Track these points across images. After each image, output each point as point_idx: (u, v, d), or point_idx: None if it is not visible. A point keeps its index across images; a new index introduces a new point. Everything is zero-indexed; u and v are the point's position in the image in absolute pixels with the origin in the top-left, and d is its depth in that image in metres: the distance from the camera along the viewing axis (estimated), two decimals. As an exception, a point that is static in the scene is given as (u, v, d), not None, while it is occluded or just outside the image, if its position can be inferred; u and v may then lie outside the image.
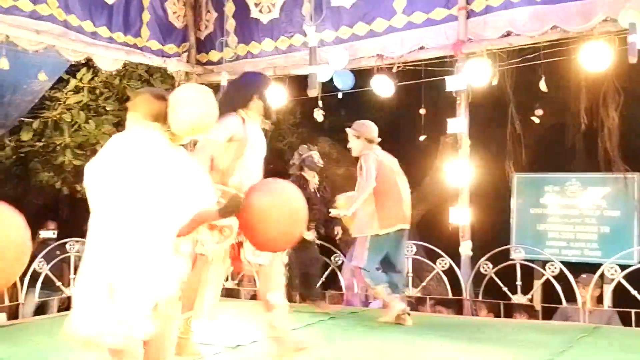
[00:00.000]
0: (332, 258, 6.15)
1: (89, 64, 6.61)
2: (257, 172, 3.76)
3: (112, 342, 2.62)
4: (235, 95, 3.86)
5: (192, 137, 3.13)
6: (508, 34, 5.52)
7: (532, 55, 5.67)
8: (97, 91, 7.88)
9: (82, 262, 2.77)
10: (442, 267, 5.65)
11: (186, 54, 7.05)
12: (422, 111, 6.41)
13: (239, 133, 3.67)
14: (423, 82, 6.22)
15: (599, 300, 5.66)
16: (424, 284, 5.99)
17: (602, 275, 5.26)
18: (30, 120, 7.65)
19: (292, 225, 3.27)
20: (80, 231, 7.33)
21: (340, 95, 6.43)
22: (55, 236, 7.16)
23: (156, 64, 6.78)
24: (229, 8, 6.90)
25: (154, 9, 6.66)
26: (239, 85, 3.98)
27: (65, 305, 6.22)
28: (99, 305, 2.61)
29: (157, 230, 2.70)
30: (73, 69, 7.20)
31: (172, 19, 6.89)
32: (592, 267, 5.58)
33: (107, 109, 8.05)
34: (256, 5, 6.75)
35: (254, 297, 6.83)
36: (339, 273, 6.21)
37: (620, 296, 5.24)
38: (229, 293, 6.81)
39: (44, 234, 7.19)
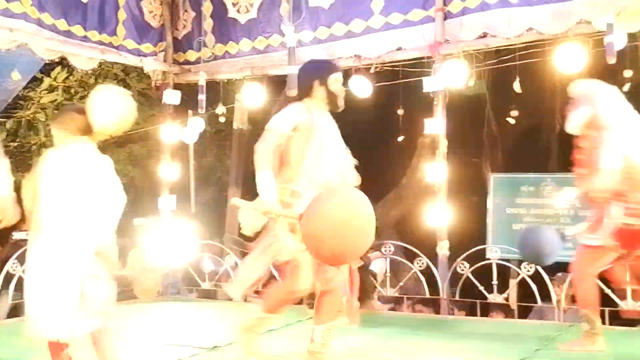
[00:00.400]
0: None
1: (63, 62, 6.53)
2: (330, 166, 3.54)
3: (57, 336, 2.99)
4: (299, 84, 3.71)
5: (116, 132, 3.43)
6: (484, 35, 5.58)
7: (508, 57, 5.73)
8: (72, 90, 7.79)
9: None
10: (420, 267, 5.68)
11: (163, 53, 6.99)
12: (400, 112, 6.44)
13: (305, 121, 3.45)
14: (401, 83, 6.25)
15: (574, 298, 5.72)
16: (401, 283, 6.02)
17: (576, 274, 5.31)
18: (4, 120, 7.53)
19: (362, 239, 3.04)
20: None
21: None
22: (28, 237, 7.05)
23: (132, 63, 6.72)
24: (207, 8, 6.86)
25: (130, 8, 6.59)
26: (300, 73, 3.82)
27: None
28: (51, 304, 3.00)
29: (77, 245, 3.05)
30: (47, 68, 7.10)
31: (148, 18, 6.83)
32: (566, 266, 5.64)
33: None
34: (234, 5, 6.71)
35: (230, 298, 6.81)
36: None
37: (594, 295, 5.30)
38: (206, 294, 6.78)
39: (17, 235, 7.08)
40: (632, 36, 5.15)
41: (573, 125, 4.14)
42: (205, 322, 5.26)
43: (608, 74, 5.65)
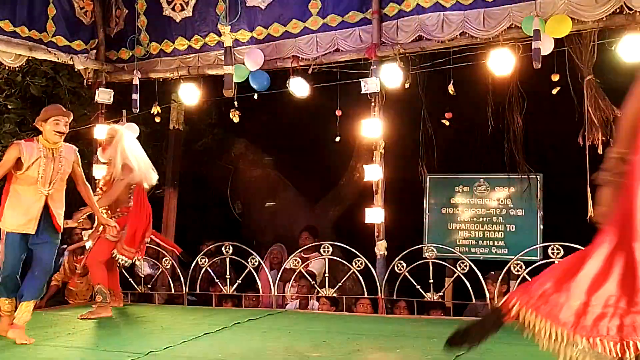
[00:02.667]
0: (248, 260, 6.09)
1: (-12, 59, 6.23)
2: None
3: None
4: None
5: None
6: (420, 38, 5.68)
7: (442, 60, 5.85)
8: (-2, 88, 7.45)
9: None
10: (358, 267, 5.73)
11: (95, 51, 6.81)
12: (338, 113, 6.48)
13: None
14: (339, 84, 6.29)
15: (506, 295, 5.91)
16: (340, 284, 6.05)
17: (508, 272, 5.48)
18: None
19: None
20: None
21: (256, 96, 6.39)
22: None
23: (62, 61, 6.50)
24: (140, 5, 6.72)
25: (60, 3, 6.39)
26: None
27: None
28: None
29: None
30: (-29, 65, 6.76)
31: (79, 14, 6.63)
32: (499, 264, 5.81)
33: (9, 107, 7.61)
34: (169, 3, 6.60)
35: (169, 301, 6.68)
36: (255, 275, 6.17)
37: (525, 291, 5.47)
38: (141, 298, 6.63)
39: None
40: (559, 41, 5.35)
41: None
42: (139, 326, 5.13)
43: (537, 78, 5.87)
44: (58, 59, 6.45)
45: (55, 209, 4.46)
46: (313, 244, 6.55)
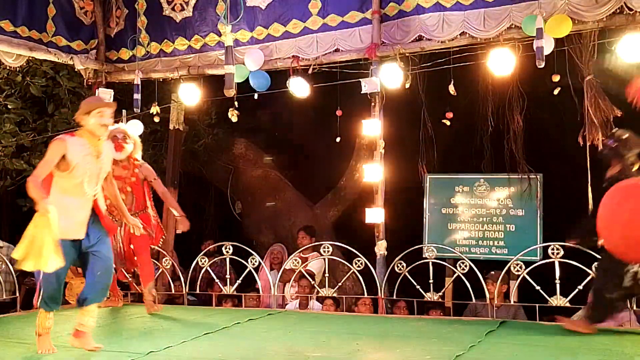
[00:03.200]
0: (248, 260, 6.09)
1: (-12, 59, 6.23)
2: None
3: None
4: None
5: None
6: (420, 38, 5.69)
7: (443, 60, 5.85)
8: (-2, 88, 7.45)
9: None
10: (358, 267, 5.72)
11: (95, 51, 6.81)
12: (339, 113, 6.48)
13: None
14: (339, 84, 6.29)
15: (506, 295, 5.91)
16: (340, 284, 6.05)
17: (508, 272, 5.48)
18: None
19: None
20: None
21: (256, 96, 6.40)
22: None
23: (62, 61, 6.50)
24: (140, 5, 6.72)
25: (60, 3, 6.40)
26: None
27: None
28: None
29: None
30: (-30, 65, 6.76)
31: (79, 14, 6.63)
32: (499, 264, 5.81)
33: (9, 107, 7.61)
34: (169, 3, 6.61)
35: (168, 301, 6.68)
36: (255, 275, 6.17)
37: (525, 291, 5.48)
38: (139, 298, 6.63)
39: None
40: (559, 41, 5.35)
41: None
42: (139, 326, 5.13)
43: (538, 77, 5.87)
44: (58, 59, 6.45)
45: (100, 207, 4.14)
46: (313, 244, 6.55)
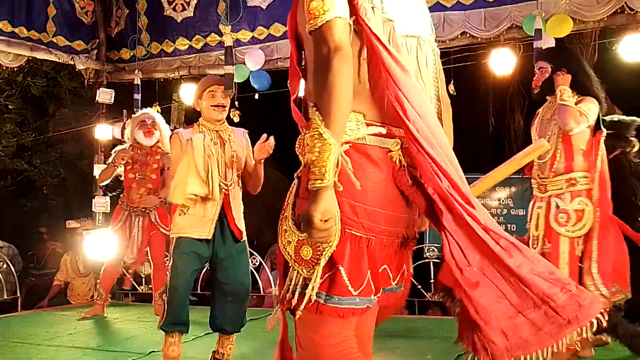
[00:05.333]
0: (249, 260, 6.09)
1: (-11, 59, 6.24)
2: None
3: None
4: None
5: None
6: (421, 38, 5.68)
7: (444, 60, 5.85)
8: (-1, 88, 7.48)
9: None
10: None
11: (95, 51, 6.81)
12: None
13: None
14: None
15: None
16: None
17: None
18: None
19: None
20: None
21: (257, 96, 6.40)
22: None
23: (63, 61, 6.50)
24: (141, 5, 6.72)
25: (60, 3, 6.39)
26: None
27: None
28: None
29: None
30: (-29, 65, 6.78)
31: (80, 14, 6.63)
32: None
33: (10, 107, 7.64)
34: (169, 3, 6.60)
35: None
36: (256, 275, 6.17)
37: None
38: (142, 298, 6.64)
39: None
40: (560, 41, 5.35)
41: None
42: (140, 326, 5.14)
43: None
44: (59, 59, 6.45)
45: (234, 210, 3.52)
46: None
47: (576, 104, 3.60)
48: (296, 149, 1.76)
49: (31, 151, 8.02)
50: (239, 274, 3.52)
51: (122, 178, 5.55)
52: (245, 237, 3.61)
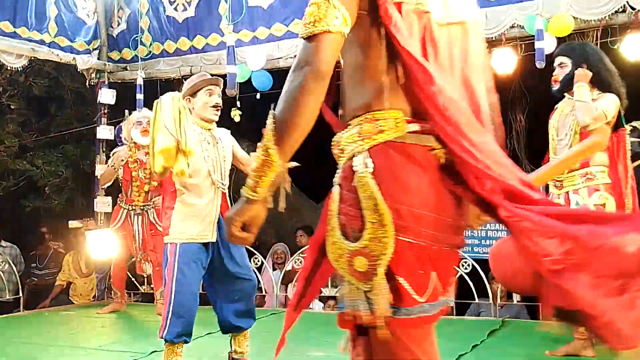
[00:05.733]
0: (251, 260, 6.09)
1: (-10, 60, 6.25)
2: None
3: None
4: None
5: None
6: (423, 37, 5.67)
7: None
8: (1, 89, 7.48)
9: None
10: (361, 266, 5.72)
11: (97, 51, 6.81)
12: (341, 112, 6.47)
13: None
14: (340, 83, 6.28)
15: (509, 295, 5.91)
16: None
17: (511, 271, 5.46)
18: None
19: None
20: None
21: (258, 96, 6.39)
22: None
23: (65, 61, 6.51)
24: (143, 5, 6.72)
25: (62, 4, 6.39)
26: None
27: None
28: None
29: None
30: (-27, 65, 6.79)
31: (81, 14, 6.64)
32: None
33: (12, 107, 7.64)
34: (171, 3, 6.61)
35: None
36: (258, 275, 6.17)
37: (528, 290, 5.47)
38: (144, 298, 6.65)
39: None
40: (562, 40, 5.34)
41: None
42: (142, 326, 5.15)
43: (540, 76, 5.85)
44: (61, 60, 6.45)
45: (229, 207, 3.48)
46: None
47: (596, 100, 3.59)
48: (332, 151, 1.69)
49: (33, 151, 8.02)
50: (243, 271, 3.47)
51: (120, 177, 5.57)
52: None
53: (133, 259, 5.70)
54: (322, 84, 1.50)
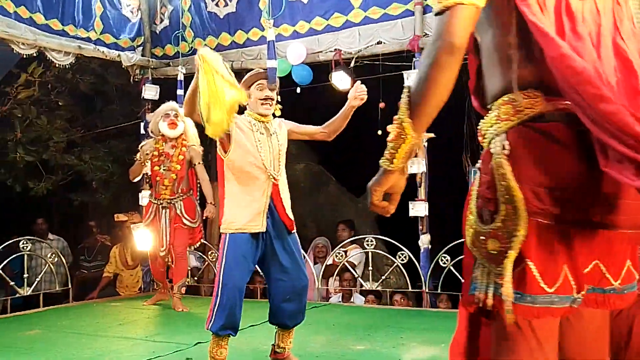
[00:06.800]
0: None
1: (40, 57, 6.43)
2: None
3: None
4: None
5: None
6: (464, 29, 5.59)
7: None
8: (49, 86, 7.68)
9: None
10: (402, 260, 5.70)
11: (141, 47, 6.94)
12: (381, 105, 6.44)
13: None
14: (381, 77, 6.25)
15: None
16: (384, 277, 6.04)
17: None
18: (-22, 116, 7.40)
19: None
20: (29, 230, 7.17)
21: (298, 90, 6.42)
22: None
23: (110, 58, 6.65)
24: (185, 1, 6.82)
25: (107, 2, 6.54)
26: None
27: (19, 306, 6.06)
28: None
29: None
30: (23, 63, 6.99)
31: (126, 11, 6.77)
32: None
33: (60, 103, 7.84)
34: (212, -1, 6.69)
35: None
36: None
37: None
38: (189, 290, 6.75)
39: None
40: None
41: None
42: (186, 318, 5.24)
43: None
44: (106, 57, 6.59)
45: (284, 200, 3.42)
46: (354, 237, 6.56)
47: None
48: (478, 137, 1.65)
49: (80, 147, 8.22)
50: (296, 270, 3.43)
51: (148, 172, 5.64)
52: (295, 229, 3.51)
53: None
54: (456, 57, 1.48)
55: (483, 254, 1.51)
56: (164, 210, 5.48)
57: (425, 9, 5.72)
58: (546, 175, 1.45)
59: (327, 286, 6.40)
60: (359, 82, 3.48)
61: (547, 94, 1.49)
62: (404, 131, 1.51)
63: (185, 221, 5.47)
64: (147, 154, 5.40)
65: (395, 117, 1.54)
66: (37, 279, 6.10)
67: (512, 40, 1.52)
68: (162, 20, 7.02)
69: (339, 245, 6.30)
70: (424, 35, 5.70)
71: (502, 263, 1.44)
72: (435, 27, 1.50)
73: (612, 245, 1.48)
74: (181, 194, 5.51)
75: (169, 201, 5.46)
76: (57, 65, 6.25)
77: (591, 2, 1.54)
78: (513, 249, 1.43)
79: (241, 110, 3.46)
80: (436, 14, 1.49)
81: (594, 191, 1.44)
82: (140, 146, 5.60)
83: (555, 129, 1.47)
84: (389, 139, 1.54)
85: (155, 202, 5.52)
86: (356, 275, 6.14)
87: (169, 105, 5.58)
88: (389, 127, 1.56)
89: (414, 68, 5.71)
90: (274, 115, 3.58)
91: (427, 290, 5.59)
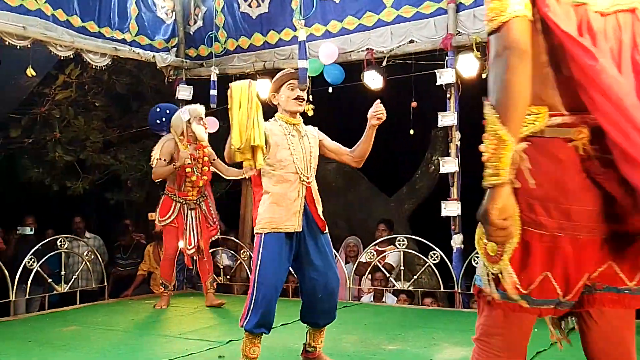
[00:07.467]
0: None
1: (77, 59, 6.57)
2: None
3: None
4: None
5: None
6: (498, 26, 5.52)
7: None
8: (86, 87, 7.83)
9: None
10: (434, 260, 5.66)
11: (175, 48, 7.03)
12: (414, 104, 6.40)
13: None
14: (413, 76, 6.21)
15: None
16: (415, 277, 6.00)
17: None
18: (19, 116, 7.58)
19: None
20: (67, 228, 7.32)
21: (330, 90, 6.42)
22: (32, 232, 7.11)
23: (145, 59, 6.75)
24: (218, 2, 6.88)
25: (142, 4, 6.64)
26: None
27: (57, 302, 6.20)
28: None
29: None
30: (61, 65, 7.15)
31: (160, 13, 6.87)
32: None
33: (96, 104, 7.99)
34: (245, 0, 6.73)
35: (245, 292, 6.84)
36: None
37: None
38: (221, 288, 6.81)
39: (21, 229, 7.15)
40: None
41: None
42: (218, 316, 5.29)
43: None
44: (141, 58, 6.69)
45: (317, 202, 3.48)
46: (388, 236, 6.53)
47: None
48: None
49: (116, 146, 8.35)
50: (328, 269, 3.44)
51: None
52: (327, 229, 3.54)
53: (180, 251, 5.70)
54: (525, 61, 1.57)
55: (483, 253, 1.70)
56: (190, 211, 5.52)
57: (459, 7, 5.67)
58: (540, 188, 1.60)
59: (359, 285, 6.39)
60: (378, 101, 3.48)
61: (557, 109, 1.62)
62: (502, 139, 1.55)
63: (209, 221, 5.57)
64: (186, 162, 5.38)
65: (484, 134, 1.60)
66: (74, 277, 6.23)
67: (540, 61, 1.63)
68: (195, 22, 7.10)
69: (373, 244, 6.26)
70: (456, 34, 5.65)
71: (497, 264, 1.65)
72: (493, 44, 1.61)
73: (624, 248, 1.61)
74: (204, 195, 5.58)
75: (195, 202, 5.52)
76: (93, 67, 6.37)
77: (614, 18, 1.63)
78: (506, 254, 1.61)
79: (269, 112, 3.49)
80: (490, 34, 1.62)
81: (589, 203, 1.58)
82: (159, 148, 5.47)
83: (551, 143, 1.60)
84: (485, 157, 1.58)
85: (180, 201, 5.53)
86: (388, 275, 6.12)
87: (199, 108, 5.60)
88: (481, 148, 1.60)
89: (447, 67, 5.66)
90: (308, 123, 3.61)
91: (459, 291, 5.54)
